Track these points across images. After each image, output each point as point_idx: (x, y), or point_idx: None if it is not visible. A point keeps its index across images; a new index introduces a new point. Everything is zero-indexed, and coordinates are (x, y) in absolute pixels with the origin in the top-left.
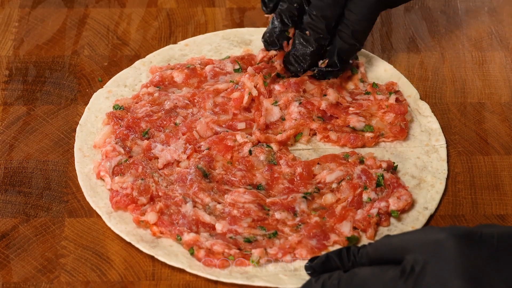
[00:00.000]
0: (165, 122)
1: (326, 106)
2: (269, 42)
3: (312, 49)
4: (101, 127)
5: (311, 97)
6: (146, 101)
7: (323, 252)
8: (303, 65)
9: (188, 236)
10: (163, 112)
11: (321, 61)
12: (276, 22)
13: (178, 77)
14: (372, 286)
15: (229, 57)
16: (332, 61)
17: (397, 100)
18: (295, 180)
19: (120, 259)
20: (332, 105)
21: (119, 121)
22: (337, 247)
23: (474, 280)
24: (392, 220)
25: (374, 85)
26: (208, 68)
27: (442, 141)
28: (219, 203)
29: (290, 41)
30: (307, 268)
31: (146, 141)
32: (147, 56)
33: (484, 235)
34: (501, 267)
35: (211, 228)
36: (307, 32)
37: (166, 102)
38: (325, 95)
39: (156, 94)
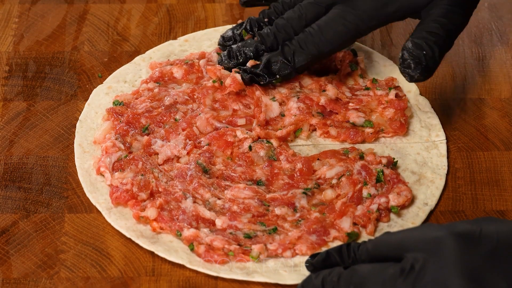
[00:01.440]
0: (165, 118)
1: (326, 101)
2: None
3: (246, 51)
4: (101, 123)
5: (310, 92)
6: (146, 97)
7: (323, 248)
8: (235, 60)
9: (188, 232)
10: (163, 108)
11: (251, 61)
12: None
13: (178, 72)
14: (372, 283)
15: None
16: (261, 66)
17: (397, 95)
18: (295, 175)
19: (120, 255)
20: (332, 101)
21: (119, 116)
22: (337, 242)
23: (473, 279)
24: (392, 216)
25: (374, 80)
26: (201, 63)
27: (442, 137)
28: (219, 198)
29: None
30: (308, 265)
31: (146, 137)
32: (147, 52)
33: (484, 232)
34: (501, 265)
35: (211, 223)
36: (255, 38)
37: (166, 98)
38: (324, 90)
39: (156, 90)
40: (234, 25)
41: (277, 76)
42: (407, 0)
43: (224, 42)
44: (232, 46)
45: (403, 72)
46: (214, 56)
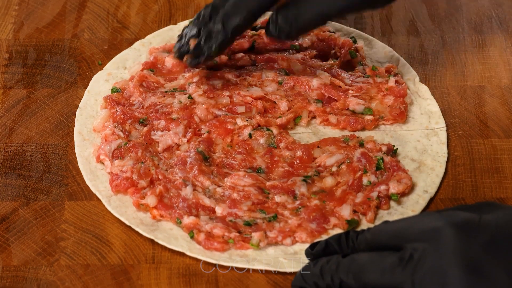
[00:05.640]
0: (161, 117)
1: (319, 85)
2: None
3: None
4: (98, 110)
5: (298, 75)
6: (137, 93)
7: (323, 235)
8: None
9: (188, 220)
10: (154, 113)
11: (192, 41)
12: None
13: (168, 62)
14: (370, 272)
15: None
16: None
17: (396, 82)
18: (295, 163)
19: (120, 243)
20: (328, 86)
21: (116, 104)
22: (337, 230)
23: (472, 269)
24: (392, 203)
25: (373, 68)
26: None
27: (442, 124)
28: (219, 186)
29: None
30: (308, 255)
31: (145, 128)
32: (147, 37)
33: (483, 221)
34: (500, 254)
35: (211, 211)
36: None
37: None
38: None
39: (144, 96)
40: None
41: (213, 47)
42: None
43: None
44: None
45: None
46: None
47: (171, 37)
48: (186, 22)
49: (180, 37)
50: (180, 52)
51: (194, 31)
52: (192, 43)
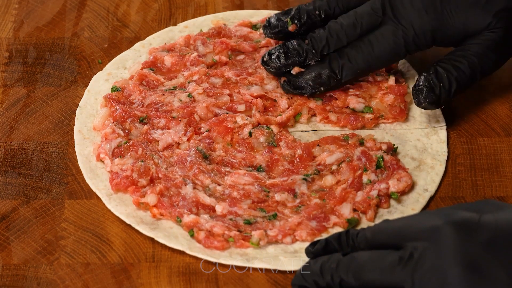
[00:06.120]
0: (161, 115)
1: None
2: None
3: (295, 54)
4: (99, 109)
5: None
6: (137, 91)
7: (323, 234)
8: (275, 62)
9: (188, 218)
10: (154, 112)
11: (296, 68)
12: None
13: (167, 61)
14: (370, 271)
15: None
16: (306, 77)
17: (396, 81)
18: (295, 162)
19: (120, 241)
20: None
21: (116, 103)
22: (337, 229)
23: (472, 268)
24: (392, 202)
25: None
26: (191, 57)
27: (442, 123)
28: (219, 184)
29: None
30: (308, 254)
31: (145, 127)
32: (147, 38)
33: (483, 220)
34: (500, 254)
35: (211, 210)
36: (306, 41)
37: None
38: None
39: (144, 95)
40: (279, 11)
41: (322, 88)
42: (457, 30)
43: (271, 30)
44: (287, 45)
45: (413, 94)
46: (199, 45)
47: (171, 37)
48: (186, 23)
49: (274, 27)
50: (277, 66)
51: (301, 52)
52: (296, 70)
